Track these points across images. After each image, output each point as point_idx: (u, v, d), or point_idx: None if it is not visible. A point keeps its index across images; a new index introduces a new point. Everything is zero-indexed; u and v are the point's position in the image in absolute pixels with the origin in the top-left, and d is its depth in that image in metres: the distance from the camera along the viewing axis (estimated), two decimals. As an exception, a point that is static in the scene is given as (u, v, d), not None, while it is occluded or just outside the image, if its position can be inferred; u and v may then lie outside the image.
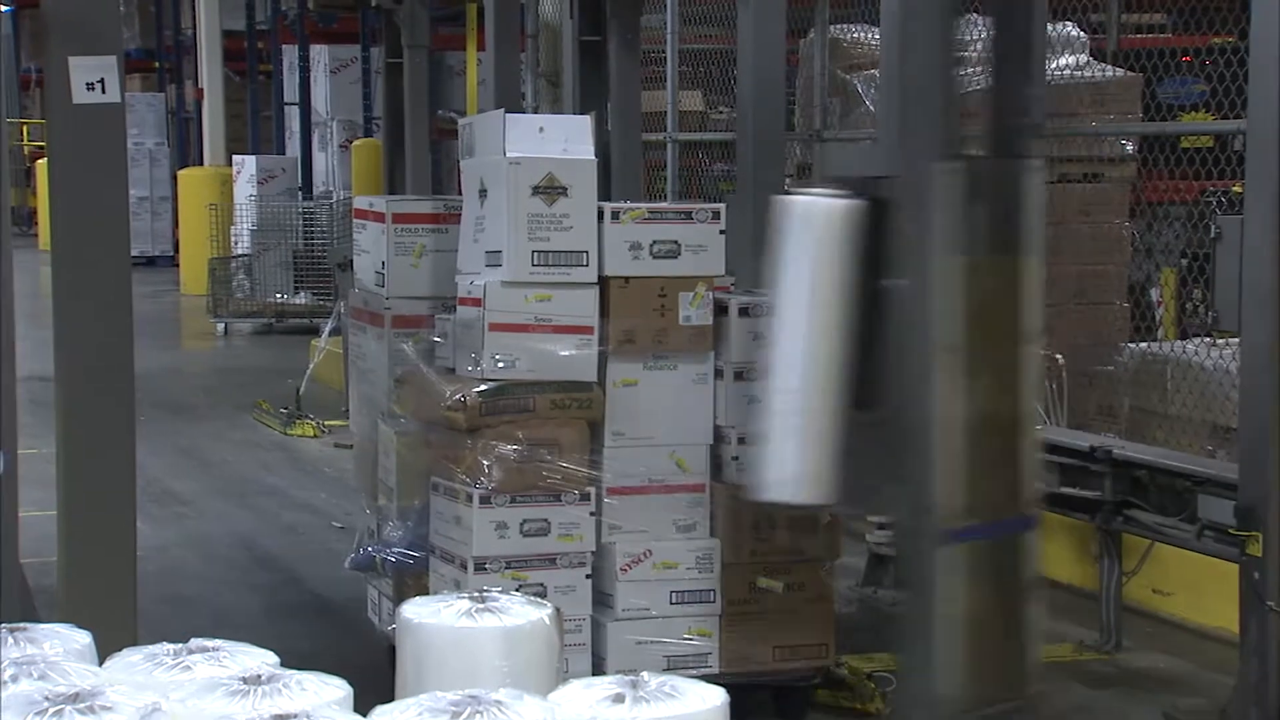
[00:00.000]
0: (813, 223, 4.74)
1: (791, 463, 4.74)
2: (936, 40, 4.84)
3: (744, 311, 5.38)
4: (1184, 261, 8.75)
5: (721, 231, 5.38)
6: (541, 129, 5.34)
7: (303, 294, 16.84)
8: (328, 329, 11.45)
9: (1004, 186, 4.92)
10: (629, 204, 5.47)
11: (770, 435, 4.77)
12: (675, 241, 5.32)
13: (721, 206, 5.43)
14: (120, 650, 2.66)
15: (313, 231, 17.23)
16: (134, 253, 5.30)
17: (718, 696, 2.52)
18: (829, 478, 4.73)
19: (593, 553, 5.29)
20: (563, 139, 5.31)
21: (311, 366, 11.59)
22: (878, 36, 7.92)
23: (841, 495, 4.79)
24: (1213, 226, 5.53)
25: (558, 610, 2.83)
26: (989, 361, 4.78)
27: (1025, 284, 4.90)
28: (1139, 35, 10.13)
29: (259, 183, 18.88)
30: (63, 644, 2.67)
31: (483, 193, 5.38)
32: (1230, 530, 5.36)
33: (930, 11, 4.78)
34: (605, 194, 5.53)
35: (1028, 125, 5.14)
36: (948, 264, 4.68)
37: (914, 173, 4.74)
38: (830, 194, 4.79)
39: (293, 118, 20.34)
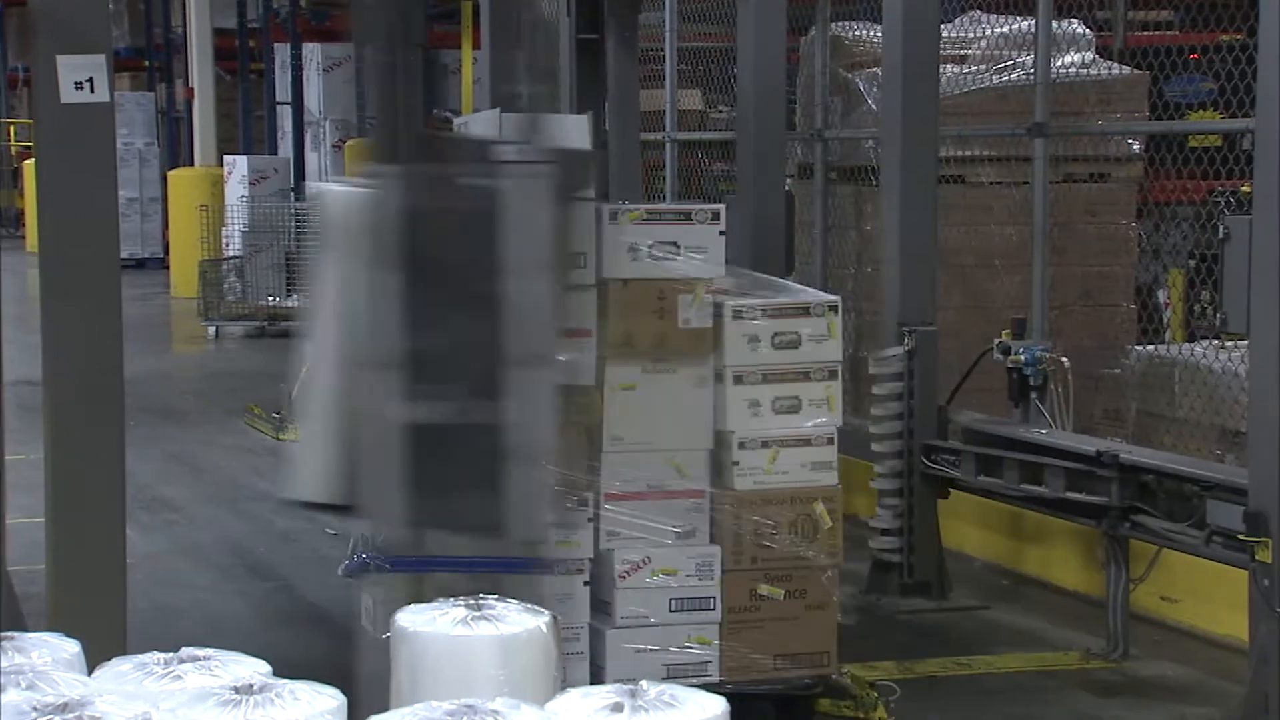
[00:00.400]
0: (333, 212, 4.75)
1: (318, 464, 4.75)
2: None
3: (738, 314, 5.38)
4: (1192, 263, 8.75)
5: (721, 233, 5.37)
6: (537, 128, 5.32)
7: (295, 297, 16.83)
8: (321, 332, 11.42)
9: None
10: (627, 205, 5.47)
11: (302, 434, 4.78)
12: (674, 243, 5.32)
13: (721, 207, 5.43)
14: (110, 659, 2.66)
15: (306, 233, 17.23)
16: (123, 255, 5.30)
17: (718, 706, 2.52)
18: (344, 479, 4.69)
19: (591, 560, 5.28)
20: (559, 139, 5.30)
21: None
22: (879, 34, 7.91)
23: (350, 496, 4.74)
24: (1221, 227, 5.54)
25: (555, 618, 2.83)
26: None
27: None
28: (1146, 32, 10.15)
29: (251, 183, 18.88)
30: (51, 653, 2.67)
31: (478, 193, 5.36)
32: (1239, 536, 5.36)
33: None
34: (603, 194, 5.52)
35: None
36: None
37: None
38: (349, 184, 4.75)
39: (285, 117, 20.35)
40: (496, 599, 2.83)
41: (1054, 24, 8.15)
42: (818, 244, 9.43)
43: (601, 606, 5.32)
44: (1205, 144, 8.02)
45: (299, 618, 7.02)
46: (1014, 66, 8.80)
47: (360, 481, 4.58)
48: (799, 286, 5.82)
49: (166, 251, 21.79)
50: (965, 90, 8.76)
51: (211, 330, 16.70)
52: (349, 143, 17.56)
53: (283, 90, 20.27)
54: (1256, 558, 5.20)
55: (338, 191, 4.73)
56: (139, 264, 22.63)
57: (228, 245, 17.92)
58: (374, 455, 4.43)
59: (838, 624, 5.54)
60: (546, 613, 2.82)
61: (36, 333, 4.83)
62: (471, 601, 2.82)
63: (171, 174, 21.40)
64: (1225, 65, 7.31)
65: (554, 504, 4.71)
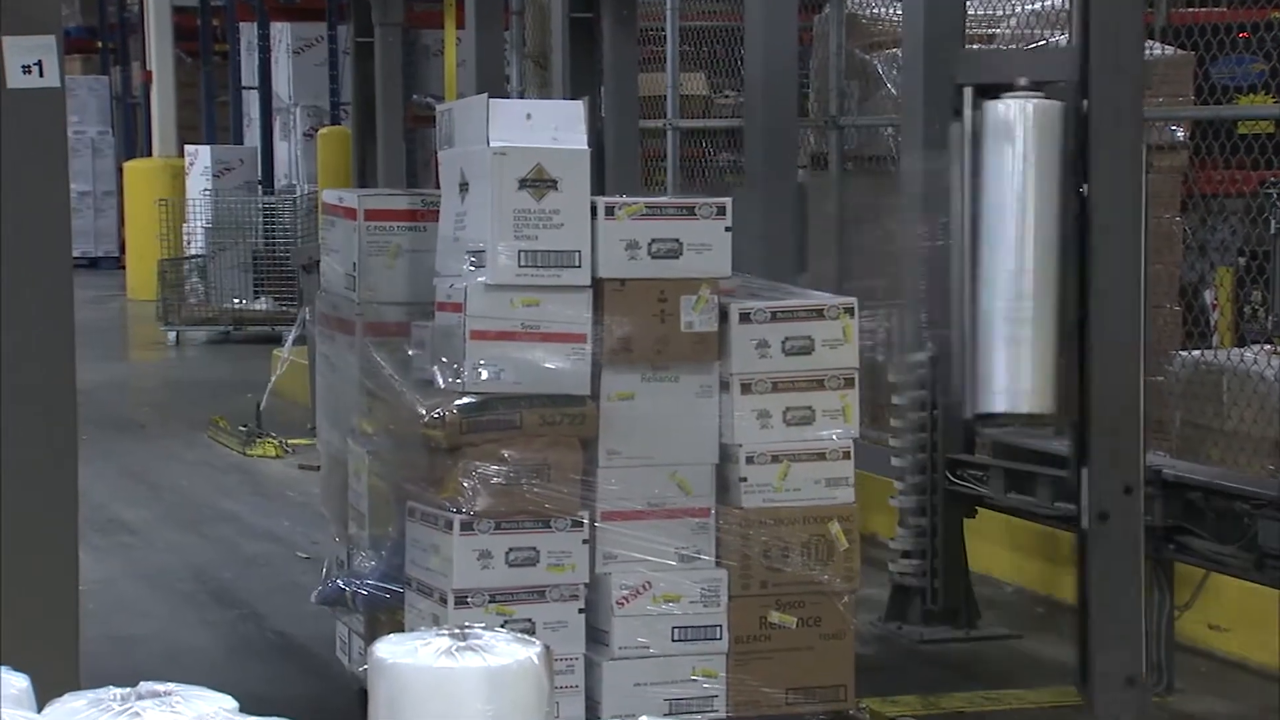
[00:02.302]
0: (1019, 126, 5.07)
1: (1020, 373, 5.11)
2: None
3: (745, 318, 5.39)
4: (1241, 260, 8.75)
5: (727, 228, 5.38)
6: (529, 116, 5.35)
7: (263, 299, 16.85)
8: (291, 338, 11.46)
9: None
10: (625, 198, 5.48)
11: (994, 345, 5.11)
12: (676, 240, 5.33)
13: (727, 201, 5.44)
14: (61, 695, 2.66)
15: (274, 230, 17.24)
16: (75, 254, 5.30)
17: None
18: (1052, 388, 5.13)
19: (586, 584, 5.29)
20: (552, 127, 5.31)
21: (273, 380, 11.60)
22: (899, 12, 7.93)
23: (1062, 406, 5.16)
24: (1273, 221, 5.55)
25: (547, 648, 2.84)
26: None
27: None
28: (1190, 9, 10.15)
29: (214, 175, 18.89)
30: (-2, 688, 2.67)
31: (463, 186, 5.39)
32: (1294, 558, 5.36)
33: None
34: (599, 187, 5.54)
35: None
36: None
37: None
38: (1034, 95, 5.10)
39: (252, 103, 20.36)
40: (483, 627, 2.84)
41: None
42: (833, 240, 9.43)
43: (598, 635, 5.33)
44: (1256, 131, 8.03)
45: (267, 649, 7.03)
46: (1046, 46, 8.81)
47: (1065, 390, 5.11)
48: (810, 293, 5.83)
49: (122, 250, 21.80)
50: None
51: (172, 336, 16.71)
52: (321, 131, 17.56)
53: (249, 74, 20.28)
54: (1312, 582, 5.20)
55: (1017, 103, 5.12)
56: (92, 264, 22.64)
57: (189, 243, 17.92)
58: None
59: (855, 655, 5.54)
60: (538, 643, 2.83)
61: (-20, 339, 4.84)
62: (457, 630, 2.83)
63: (128, 165, 21.40)
64: (1278, 45, 7.32)
65: None
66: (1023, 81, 5.14)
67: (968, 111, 5.12)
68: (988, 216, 5.12)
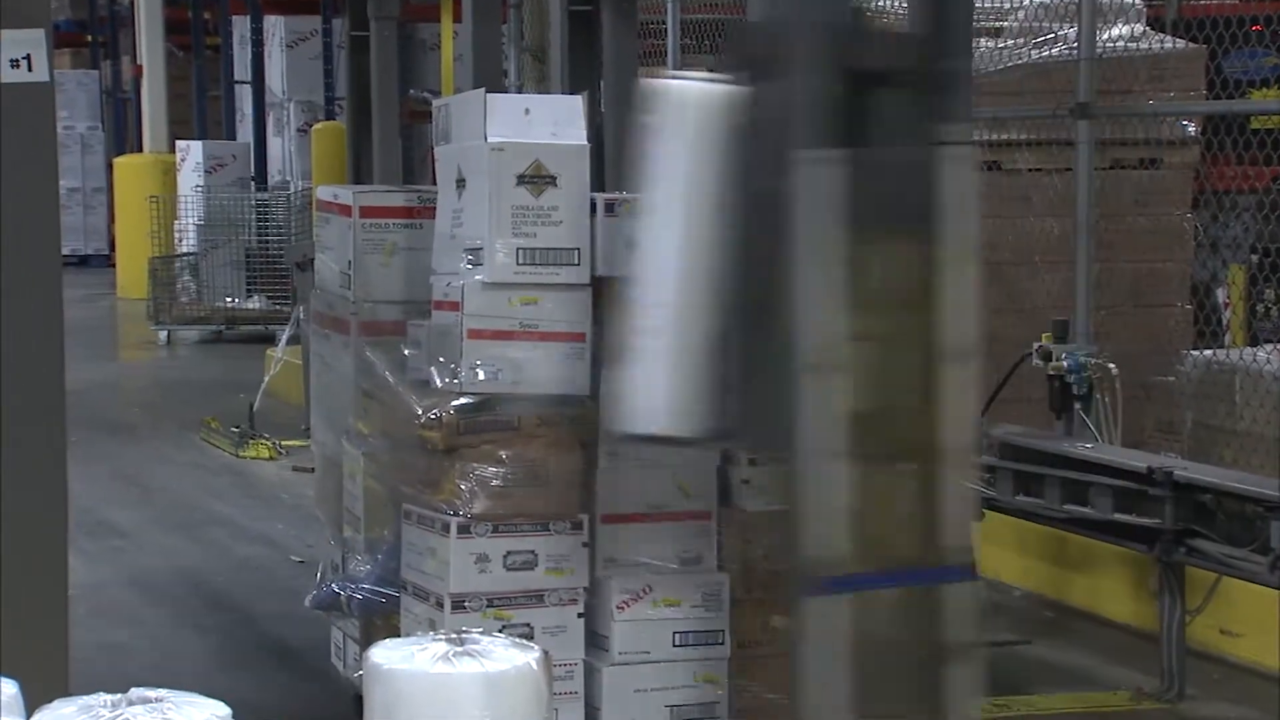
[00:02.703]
0: (688, 112, 4.66)
1: (662, 389, 4.64)
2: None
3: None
4: (1254, 258, 8.76)
5: (730, 225, 5.37)
6: (527, 111, 5.35)
7: (256, 298, 16.85)
8: (285, 337, 11.46)
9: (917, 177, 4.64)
10: (624, 195, 5.48)
11: (638, 357, 4.67)
12: (678, 237, 5.32)
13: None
14: (51, 702, 2.67)
15: (267, 227, 17.24)
16: (65, 251, 5.31)
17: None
18: (704, 407, 4.62)
19: (585, 589, 5.29)
20: (551, 122, 5.31)
21: (267, 380, 11.60)
22: (905, 3, 7.92)
23: (718, 428, 4.67)
24: (1286, 218, 5.55)
25: (546, 654, 2.84)
26: (891, 383, 4.58)
27: (948, 284, 4.56)
28: (1202, 2, 10.15)
29: (206, 172, 18.91)
30: (-14, 694, 2.68)
31: (460, 182, 5.39)
32: (1307, 562, 5.37)
33: None
34: (599, 184, 5.54)
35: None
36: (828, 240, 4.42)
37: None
38: (709, 78, 4.70)
39: (244, 98, 20.37)
40: (481, 632, 2.84)
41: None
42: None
43: (597, 640, 5.33)
44: (1269, 125, 8.03)
45: (261, 655, 7.03)
46: (1055, 40, 8.82)
47: (722, 408, 4.59)
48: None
49: (112, 248, 21.81)
50: (1001, 66, 8.77)
51: (163, 335, 16.72)
52: (315, 126, 17.57)
53: (242, 68, 20.28)
54: (1326, 586, 5.21)
55: (685, 86, 4.70)
56: (82, 261, 22.65)
57: (181, 241, 17.93)
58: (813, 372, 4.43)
59: (860, 660, 5.53)
60: (536, 648, 2.83)
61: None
62: (454, 635, 2.83)
63: (118, 161, 21.41)
64: (1290, 38, 7.32)
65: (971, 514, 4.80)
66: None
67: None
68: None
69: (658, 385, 4.65)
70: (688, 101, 4.68)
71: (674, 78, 4.78)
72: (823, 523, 4.44)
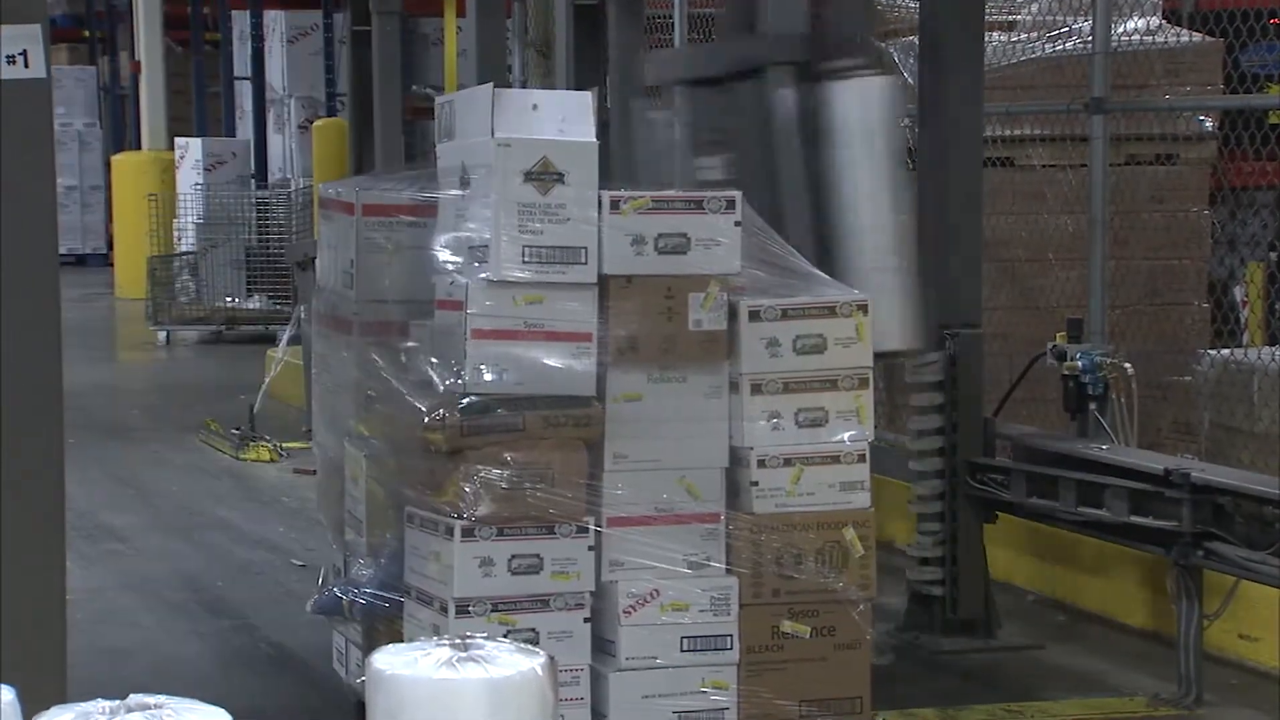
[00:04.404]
0: (865, 100, 6.07)
1: (886, 316, 5.84)
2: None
3: (755, 315, 5.39)
4: (1273, 255, 8.76)
5: (737, 223, 5.38)
6: (535, 106, 5.35)
7: (257, 297, 16.87)
8: (286, 337, 11.48)
9: None
10: (631, 192, 5.48)
11: (877, 291, 5.78)
12: (684, 235, 5.33)
13: (737, 195, 5.44)
14: (49, 708, 2.67)
15: (268, 225, 17.26)
16: (62, 251, 5.32)
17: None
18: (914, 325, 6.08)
19: (591, 593, 5.30)
20: (559, 118, 5.31)
21: (267, 381, 11.61)
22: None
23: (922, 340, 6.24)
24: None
25: (552, 659, 2.85)
26: None
27: None
28: (1219, -6, 10.14)
29: (206, 169, 18.93)
30: (-18, 701, 2.68)
31: (464, 179, 5.39)
32: (1327, 565, 5.37)
33: None
34: (604, 181, 5.54)
35: None
36: None
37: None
38: (869, 73, 6.14)
39: (244, 94, 20.39)
40: (485, 637, 2.84)
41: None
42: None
43: (604, 646, 5.33)
44: (1287, 121, 8.03)
45: (261, 660, 7.04)
46: (1070, 33, 8.82)
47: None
48: (823, 276, 5.83)
49: (110, 247, 21.83)
50: (1014, 61, 8.77)
51: (162, 336, 16.73)
52: (317, 123, 17.58)
53: (241, 64, 20.30)
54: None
55: (860, 81, 6.18)
56: (79, 261, 22.68)
57: (180, 239, 17.95)
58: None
59: (871, 665, 5.54)
60: (541, 653, 2.83)
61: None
62: (458, 640, 2.83)
63: (116, 159, 21.43)
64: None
65: None
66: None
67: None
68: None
69: (892, 311, 5.97)
70: (865, 93, 6.11)
71: (843, 76, 6.12)
72: None
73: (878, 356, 5.77)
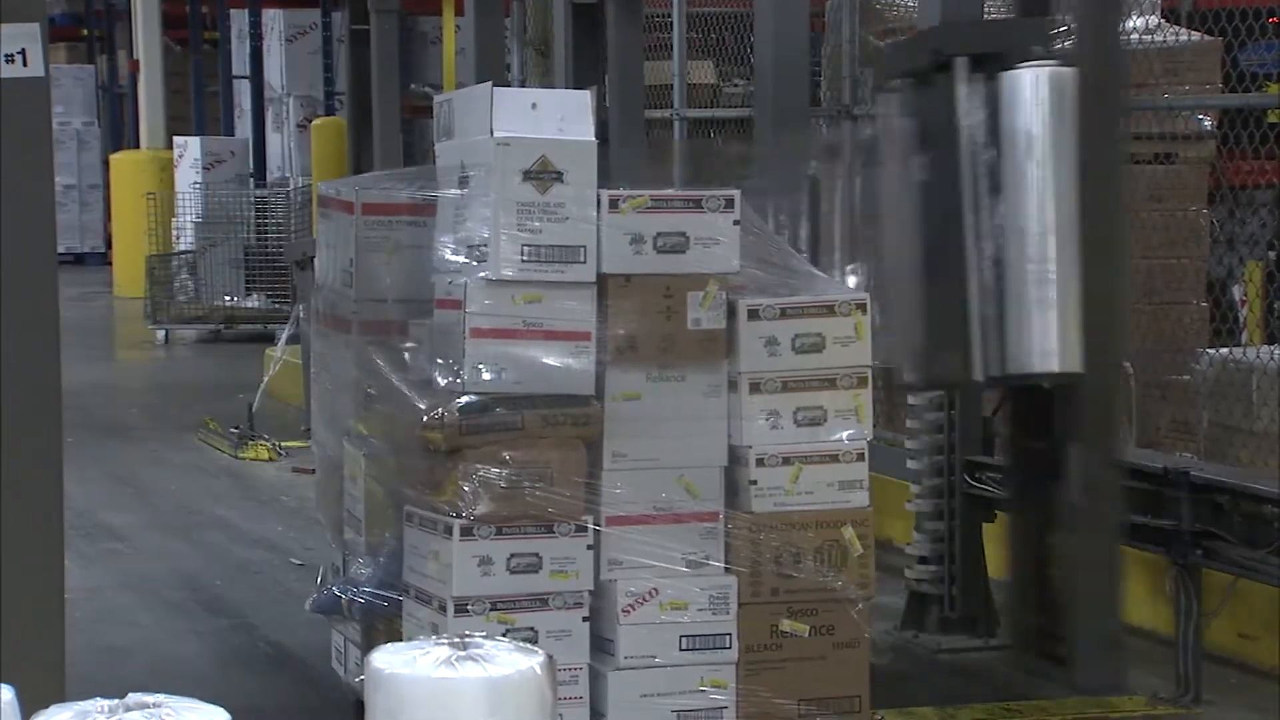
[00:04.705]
0: (1045, 92, 5.74)
1: (1053, 333, 5.68)
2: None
3: (754, 314, 5.39)
4: (1272, 254, 8.75)
5: (736, 222, 5.39)
6: (534, 105, 5.35)
7: (255, 296, 16.86)
8: (285, 336, 11.46)
9: None
10: (630, 190, 5.48)
11: (1028, 306, 5.65)
12: (682, 234, 5.34)
13: (735, 193, 5.44)
14: (47, 708, 2.67)
15: (266, 224, 17.25)
16: (60, 249, 5.32)
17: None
18: (1080, 347, 5.71)
19: (590, 592, 5.30)
20: (558, 117, 5.32)
21: (266, 380, 11.61)
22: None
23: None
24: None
25: (550, 658, 2.85)
26: None
27: None
28: (1218, -7, 10.14)
29: (204, 168, 18.92)
30: (-19, 700, 2.68)
31: (464, 178, 5.39)
32: (1325, 563, 5.37)
33: None
34: (603, 180, 5.54)
35: None
36: None
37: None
38: (1052, 64, 5.78)
39: (243, 93, 20.38)
40: (484, 636, 2.84)
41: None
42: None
43: (603, 645, 5.33)
44: (1286, 120, 8.03)
45: (260, 659, 7.04)
46: (1069, 32, 8.80)
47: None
48: (823, 277, 5.84)
49: (109, 246, 21.82)
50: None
51: (160, 334, 16.72)
52: (315, 122, 17.58)
53: (240, 63, 20.29)
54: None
55: (1041, 71, 5.81)
56: (78, 260, 22.66)
57: (178, 238, 17.94)
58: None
59: (870, 664, 5.54)
60: (540, 652, 2.84)
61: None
62: (456, 639, 2.84)
63: (114, 158, 21.42)
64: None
65: None
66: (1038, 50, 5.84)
67: (962, 83, 5.76)
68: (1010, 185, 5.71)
69: (1050, 331, 5.72)
70: (1045, 84, 5.76)
71: (1020, 66, 5.76)
72: None
73: (1029, 378, 5.82)
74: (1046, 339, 5.68)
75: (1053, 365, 5.76)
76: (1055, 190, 5.75)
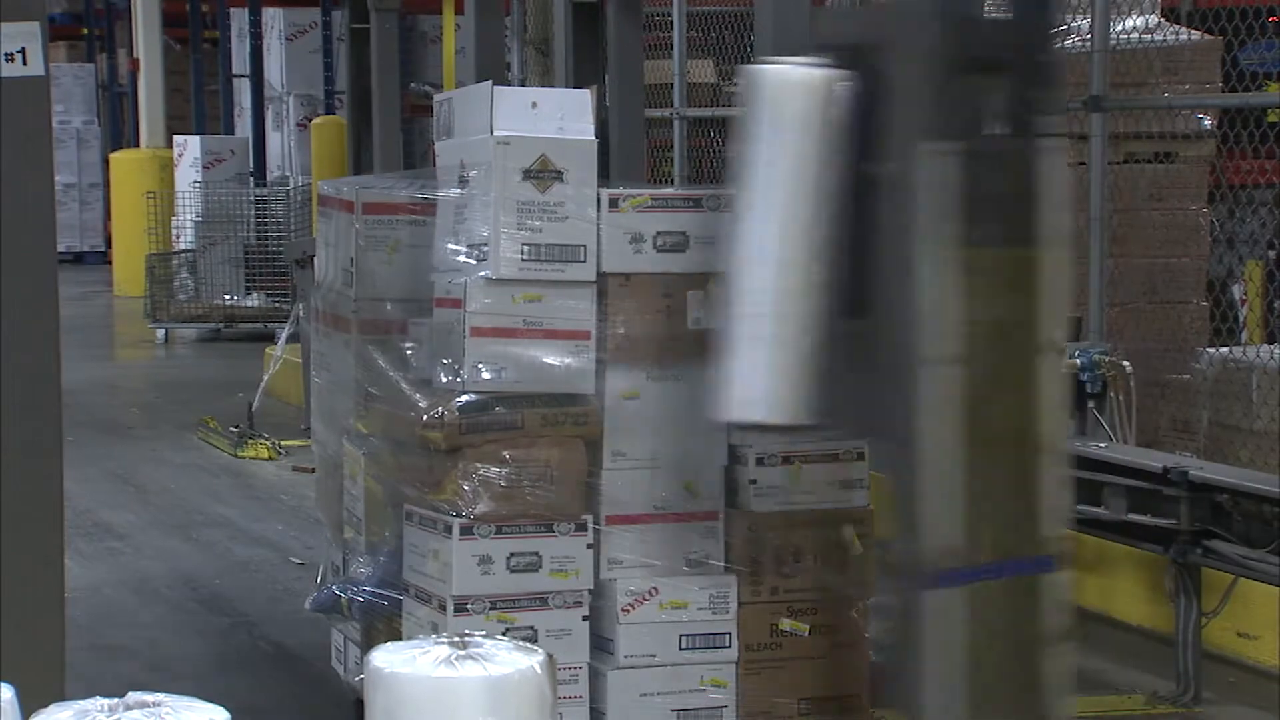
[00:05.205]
0: (787, 98, 4.67)
1: (762, 377, 4.69)
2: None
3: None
4: (1271, 253, 8.76)
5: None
6: (534, 104, 5.35)
7: (255, 295, 16.86)
8: (285, 335, 11.48)
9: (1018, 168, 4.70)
10: (629, 190, 5.48)
11: (737, 346, 4.72)
12: (682, 233, 5.34)
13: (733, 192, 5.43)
14: (47, 706, 2.67)
15: (266, 223, 17.25)
16: (60, 248, 5.31)
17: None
18: (806, 394, 4.66)
19: (590, 591, 5.30)
20: (558, 116, 5.32)
21: (266, 379, 11.61)
22: None
23: (821, 414, 4.70)
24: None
25: (550, 657, 2.85)
26: (997, 374, 4.64)
27: (1045, 281, 4.64)
28: (1218, -8, 10.15)
29: (204, 167, 18.92)
30: (-19, 698, 2.68)
31: (463, 178, 5.39)
32: (1325, 563, 5.37)
33: None
34: (603, 179, 5.54)
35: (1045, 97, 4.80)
36: (944, 249, 4.51)
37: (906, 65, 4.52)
38: (809, 63, 4.69)
39: (243, 92, 20.37)
40: (484, 635, 2.84)
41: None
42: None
43: (602, 644, 5.33)
44: (1286, 119, 8.03)
45: (260, 658, 7.04)
46: (1068, 31, 8.81)
47: (826, 395, 4.64)
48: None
49: (109, 244, 21.82)
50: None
51: (160, 333, 16.73)
52: (315, 120, 17.58)
53: (240, 61, 20.29)
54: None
55: (785, 71, 4.71)
56: (77, 258, 22.67)
57: (178, 237, 17.94)
58: (930, 364, 4.50)
59: (870, 664, 5.54)
60: (540, 651, 2.84)
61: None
62: (456, 638, 2.84)
63: (114, 156, 21.42)
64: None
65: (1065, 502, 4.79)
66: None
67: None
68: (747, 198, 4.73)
69: (759, 373, 4.69)
70: (788, 87, 4.68)
71: (773, 63, 4.78)
72: (940, 515, 4.49)
73: (750, 427, 4.97)
74: (753, 385, 4.73)
75: (756, 415, 4.79)
76: (783, 209, 4.72)
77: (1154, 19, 8.87)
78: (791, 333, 4.65)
